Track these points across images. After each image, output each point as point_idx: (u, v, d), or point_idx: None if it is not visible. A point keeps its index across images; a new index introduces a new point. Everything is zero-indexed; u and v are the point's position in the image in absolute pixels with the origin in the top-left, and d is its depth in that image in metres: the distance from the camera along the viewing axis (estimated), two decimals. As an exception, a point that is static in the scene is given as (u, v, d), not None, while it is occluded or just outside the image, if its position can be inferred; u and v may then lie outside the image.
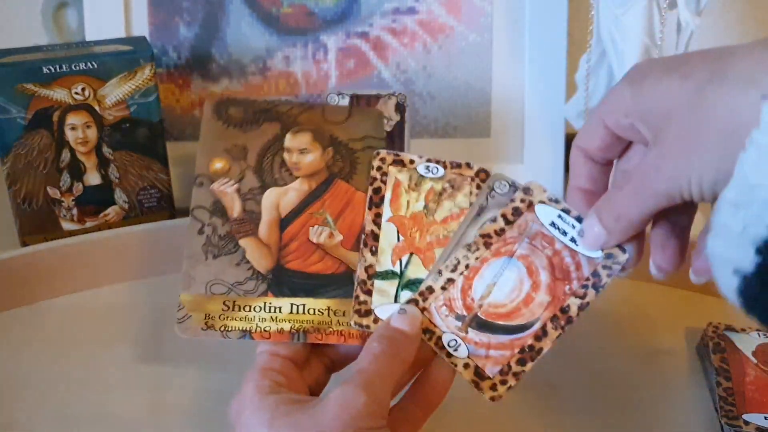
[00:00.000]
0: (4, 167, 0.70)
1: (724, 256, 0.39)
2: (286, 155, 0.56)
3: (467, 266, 0.50)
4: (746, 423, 0.52)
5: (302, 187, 0.55)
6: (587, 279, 0.49)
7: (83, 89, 0.69)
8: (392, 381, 0.46)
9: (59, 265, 0.67)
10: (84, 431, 0.54)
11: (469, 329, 0.49)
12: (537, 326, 0.48)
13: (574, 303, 0.49)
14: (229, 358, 0.61)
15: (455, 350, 0.48)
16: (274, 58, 0.83)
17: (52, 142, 0.70)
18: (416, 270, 0.51)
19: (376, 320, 0.50)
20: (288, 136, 0.57)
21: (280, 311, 0.51)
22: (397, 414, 0.48)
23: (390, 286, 0.51)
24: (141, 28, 0.82)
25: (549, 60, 0.81)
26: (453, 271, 0.50)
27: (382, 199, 0.53)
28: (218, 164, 0.55)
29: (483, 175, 0.54)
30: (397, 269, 0.51)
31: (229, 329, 0.50)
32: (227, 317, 0.50)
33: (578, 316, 0.49)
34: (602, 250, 0.49)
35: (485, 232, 0.51)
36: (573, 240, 0.50)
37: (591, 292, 0.49)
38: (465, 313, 0.49)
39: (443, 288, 0.50)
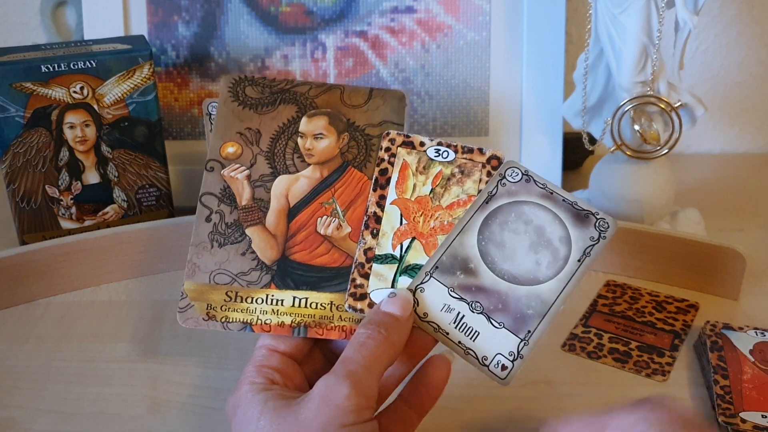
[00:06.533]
0: (3, 166, 0.70)
1: None
2: (299, 140, 0.54)
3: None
4: (743, 421, 0.52)
5: (314, 174, 0.53)
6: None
7: (82, 88, 0.69)
8: (380, 370, 0.45)
9: (58, 263, 0.67)
10: (82, 428, 0.54)
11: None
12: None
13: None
14: (228, 354, 0.61)
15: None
16: (273, 56, 0.83)
17: (50, 141, 0.70)
18: (416, 255, 0.50)
19: (370, 304, 0.49)
20: (303, 120, 0.55)
21: (282, 304, 0.50)
22: (390, 414, 0.47)
23: (388, 270, 0.50)
24: (140, 26, 0.82)
25: (547, 59, 0.81)
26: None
27: (388, 180, 0.52)
28: (230, 148, 0.54)
29: (495, 162, 0.52)
30: (397, 253, 0.50)
31: (230, 320, 0.50)
32: (229, 308, 0.50)
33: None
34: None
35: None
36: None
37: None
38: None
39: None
